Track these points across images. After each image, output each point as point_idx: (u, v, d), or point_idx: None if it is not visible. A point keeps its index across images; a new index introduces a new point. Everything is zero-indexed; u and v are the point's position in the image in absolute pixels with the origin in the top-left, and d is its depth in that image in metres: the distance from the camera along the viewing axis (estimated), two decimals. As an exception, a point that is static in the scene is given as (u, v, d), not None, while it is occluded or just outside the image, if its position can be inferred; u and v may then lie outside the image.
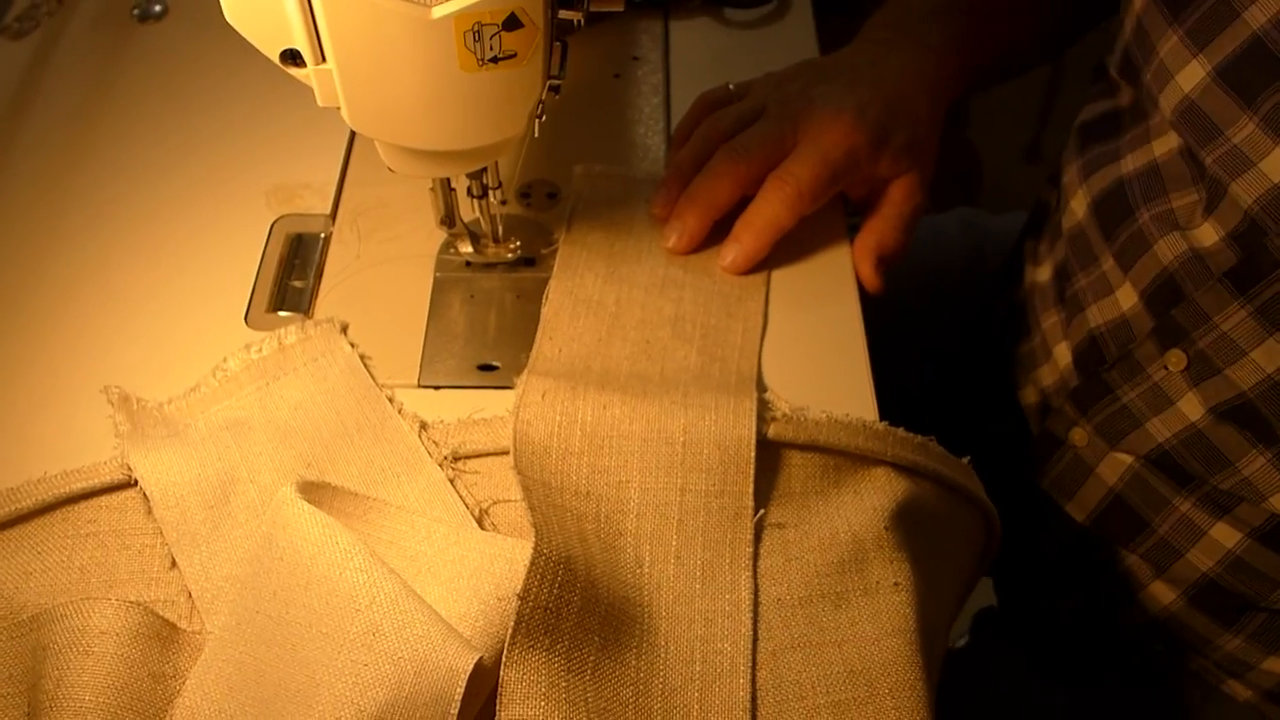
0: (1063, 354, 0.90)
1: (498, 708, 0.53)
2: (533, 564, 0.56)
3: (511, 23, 0.60)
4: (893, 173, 0.82)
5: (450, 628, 0.54)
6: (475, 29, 0.60)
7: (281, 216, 0.81)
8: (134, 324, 0.74)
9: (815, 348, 0.75)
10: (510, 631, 0.55)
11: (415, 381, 0.72)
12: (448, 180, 0.75)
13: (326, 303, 0.76)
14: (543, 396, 0.65)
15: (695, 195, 0.79)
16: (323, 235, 0.81)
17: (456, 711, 0.52)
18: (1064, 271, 0.90)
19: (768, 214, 0.78)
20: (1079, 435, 0.88)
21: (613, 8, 0.68)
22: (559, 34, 0.67)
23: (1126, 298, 0.82)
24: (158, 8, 0.99)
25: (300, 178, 0.84)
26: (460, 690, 0.52)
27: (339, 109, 0.65)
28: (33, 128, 0.89)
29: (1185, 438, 0.81)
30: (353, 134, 0.88)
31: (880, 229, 0.83)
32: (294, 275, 0.78)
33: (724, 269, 0.79)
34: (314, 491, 0.60)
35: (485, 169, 0.72)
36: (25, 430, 0.68)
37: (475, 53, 0.61)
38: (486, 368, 0.73)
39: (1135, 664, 0.98)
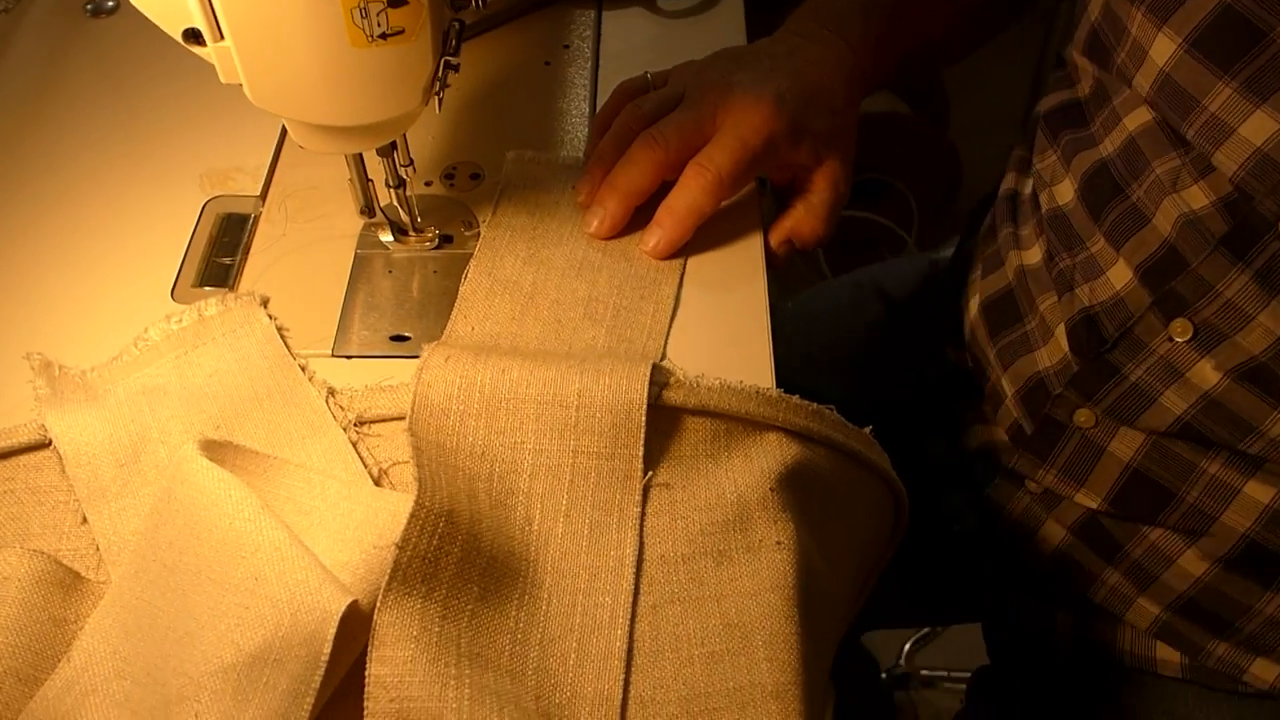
0: (1063, 334, 0.90)
1: (369, 651, 0.56)
2: (413, 515, 0.59)
3: (396, 0, 0.62)
4: (813, 160, 0.84)
5: (329, 574, 0.57)
6: (362, 6, 0.63)
7: (213, 197, 0.85)
8: (64, 296, 0.78)
9: (721, 328, 0.78)
10: (386, 579, 0.57)
11: (329, 351, 0.74)
12: (365, 170, 0.78)
13: (251, 278, 0.80)
14: (445, 361, 0.68)
15: (616, 182, 0.82)
16: (252, 215, 0.84)
17: (329, 651, 0.55)
18: (1051, 254, 0.91)
19: (688, 200, 0.80)
20: (1084, 417, 0.87)
21: None
22: (454, 13, 0.69)
23: (1119, 276, 0.82)
24: (110, 3, 1.03)
25: (234, 161, 0.88)
26: (332, 631, 0.55)
27: (241, 85, 0.67)
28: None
29: (1203, 406, 0.81)
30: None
31: (798, 215, 0.86)
32: (222, 253, 0.82)
33: (647, 254, 0.81)
34: (216, 449, 0.63)
35: (395, 148, 0.75)
36: None
37: (364, 29, 0.64)
38: (399, 338, 0.77)
39: (1140, 674, 0.96)
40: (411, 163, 0.78)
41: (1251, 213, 0.73)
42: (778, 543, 0.66)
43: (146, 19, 0.99)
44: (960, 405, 1.03)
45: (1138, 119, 0.80)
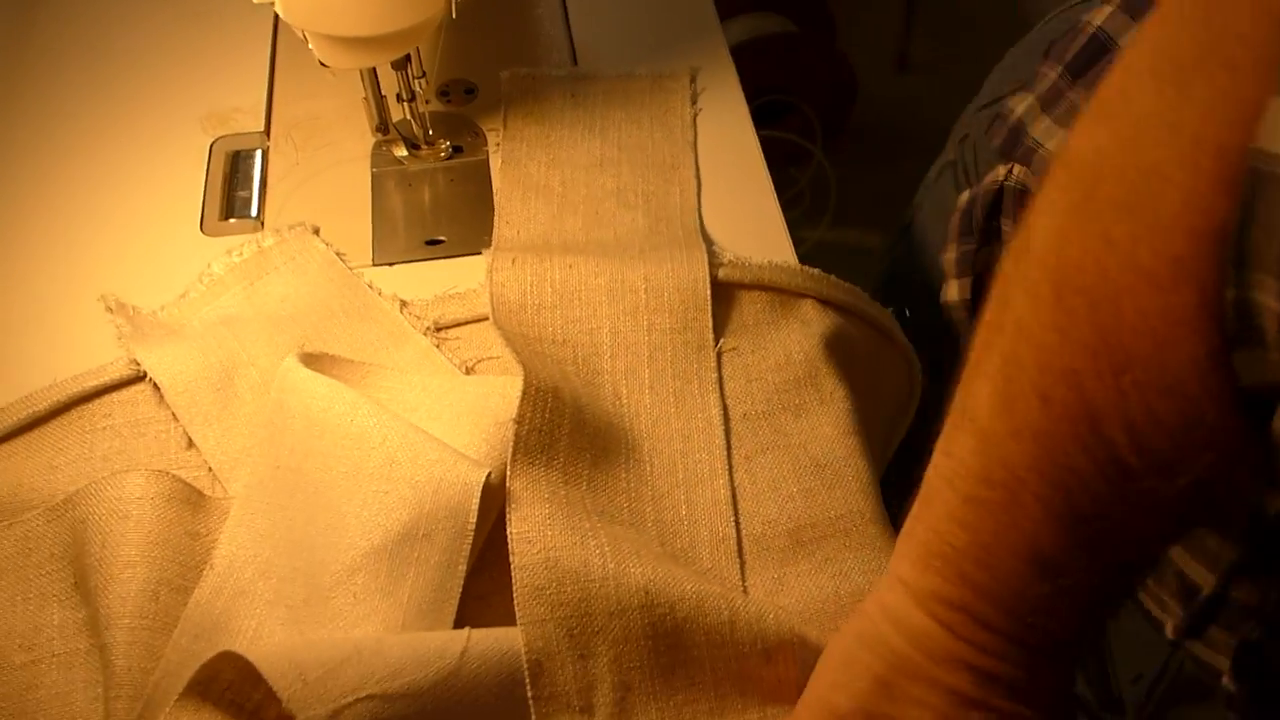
0: None
1: (507, 514, 0.60)
2: (525, 393, 0.63)
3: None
4: None
5: (459, 452, 0.60)
6: None
7: (219, 137, 0.87)
8: (96, 246, 0.81)
9: (738, 209, 0.84)
10: (511, 451, 0.62)
11: (370, 262, 0.79)
12: (378, 88, 0.81)
13: (274, 207, 0.83)
14: (513, 262, 0.73)
15: None
16: (260, 150, 0.86)
17: (475, 520, 0.59)
18: None
19: None
20: None
21: None
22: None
23: None
24: (68, -34, 1.02)
25: (231, 102, 0.90)
26: (476, 501, 0.59)
27: (271, 4, 0.69)
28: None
29: None
30: (274, 56, 0.93)
31: None
32: (239, 187, 0.85)
33: None
34: (314, 361, 0.67)
35: (409, 61, 0.78)
36: (12, 343, 0.75)
37: None
38: (433, 242, 0.82)
39: None
40: (424, 74, 0.81)
41: None
42: (845, 395, 0.73)
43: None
44: None
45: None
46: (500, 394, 0.65)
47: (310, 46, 0.76)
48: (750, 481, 0.68)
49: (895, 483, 0.89)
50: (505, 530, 0.60)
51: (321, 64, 0.76)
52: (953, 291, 0.84)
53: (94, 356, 0.71)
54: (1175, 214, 0.41)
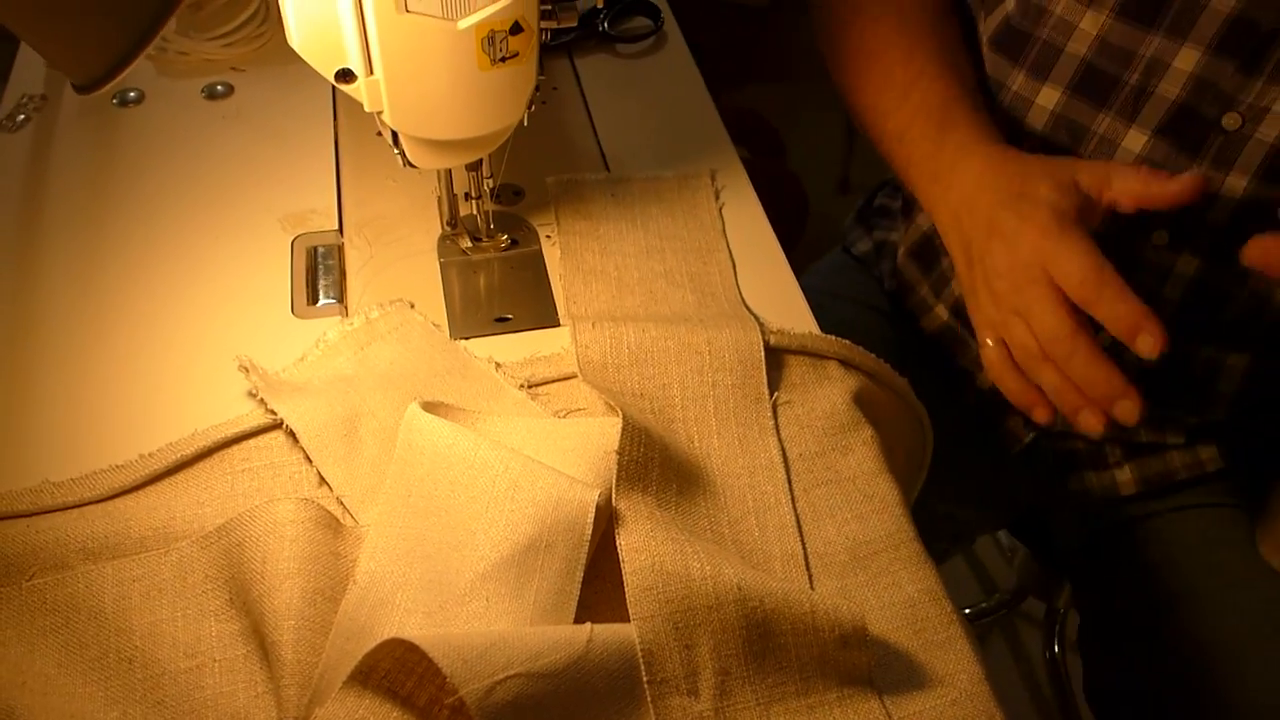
0: (1170, 89, 0.96)
1: (615, 530, 0.72)
2: (624, 428, 0.75)
3: (515, 28, 0.81)
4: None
5: (572, 477, 0.71)
6: (490, 35, 0.80)
7: (299, 235, 0.98)
8: (210, 324, 0.91)
9: (761, 281, 0.98)
10: (615, 478, 0.73)
11: (447, 337, 0.90)
12: (451, 188, 0.93)
13: (355, 293, 0.95)
14: (593, 326, 0.86)
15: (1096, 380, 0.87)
16: (336, 245, 0.97)
17: (590, 533, 0.70)
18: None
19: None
20: (1231, 120, 0.94)
21: (568, 24, 0.85)
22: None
23: (1187, 59, 0.93)
24: (133, 94, 1.14)
25: (305, 205, 1.02)
26: (591, 516, 0.70)
27: (381, 113, 0.81)
28: (55, 203, 1.04)
29: None
30: (339, 166, 1.04)
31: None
32: (321, 277, 0.94)
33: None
34: (432, 409, 0.78)
35: (481, 161, 0.89)
36: (147, 403, 0.85)
37: (489, 54, 0.81)
38: (501, 320, 0.93)
39: None
40: (492, 175, 0.92)
41: None
42: (880, 439, 0.86)
43: (171, 105, 1.13)
44: None
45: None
46: (600, 431, 0.76)
47: (396, 151, 0.87)
48: (810, 509, 0.80)
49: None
50: (606, 552, 0.72)
51: (408, 165, 0.87)
52: None
53: (213, 414, 0.81)
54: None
